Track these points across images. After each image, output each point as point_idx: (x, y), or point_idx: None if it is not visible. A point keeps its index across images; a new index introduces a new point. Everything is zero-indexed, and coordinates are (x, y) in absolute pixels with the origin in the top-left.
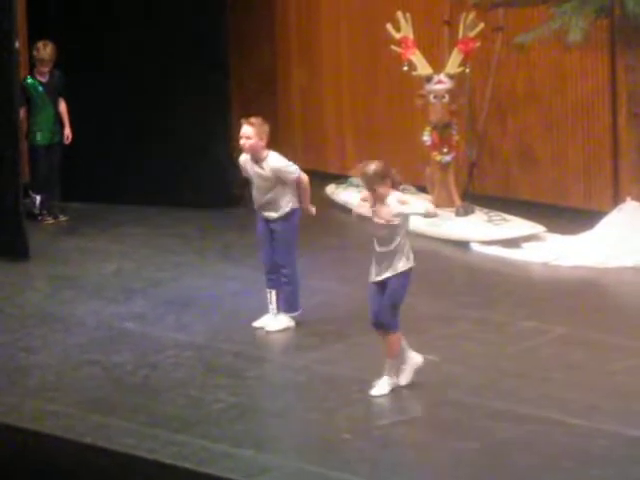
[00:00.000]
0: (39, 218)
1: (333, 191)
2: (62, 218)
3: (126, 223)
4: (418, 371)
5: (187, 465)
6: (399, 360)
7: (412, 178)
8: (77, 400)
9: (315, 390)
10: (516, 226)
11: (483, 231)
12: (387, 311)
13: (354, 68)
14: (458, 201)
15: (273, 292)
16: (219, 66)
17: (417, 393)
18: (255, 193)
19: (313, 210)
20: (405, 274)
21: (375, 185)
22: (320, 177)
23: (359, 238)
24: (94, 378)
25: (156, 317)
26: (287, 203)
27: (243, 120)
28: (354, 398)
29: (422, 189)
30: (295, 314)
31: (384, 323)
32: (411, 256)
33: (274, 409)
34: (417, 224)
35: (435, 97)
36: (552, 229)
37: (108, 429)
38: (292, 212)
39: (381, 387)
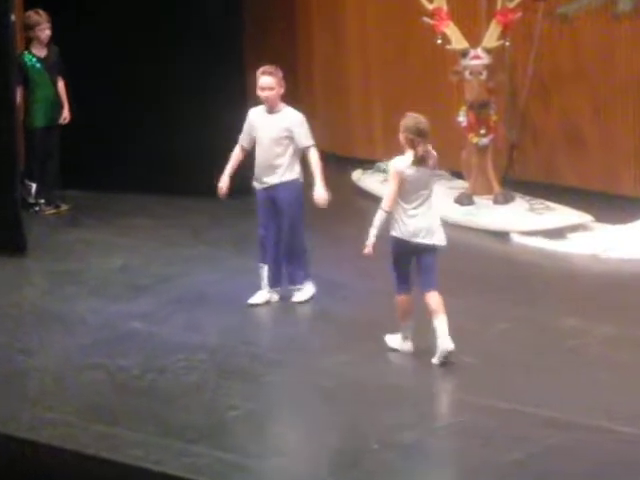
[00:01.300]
0: (36, 208)
1: (359, 177)
2: (63, 207)
3: (130, 213)
4: (450, 373)
5: (201, 478)
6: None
7: (446, 163)
8: (78, 407)
9: (338, 396)
10: (561, 215)
11: (524, 221)
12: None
13: (383, 43)
14: (497, 188)
15: (265, 267)
16: (234, 48)
17: (453, 398)
18: (260, 154)
19: (324, 197)
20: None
21: (405, 134)
22: (346, 162)
23: (386, 228)
24: (97, 383)
25: (165, 316)
26: (293, 171)
27: (259, 72)
28: (383, 405)
29: (458, 175)
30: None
31: None
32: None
33: (294, 417)
34: (451, 213)
35: (471, 73)
36: (600, 218)
37: (113, 439)
38: (297, 183)
39: (390, 340)
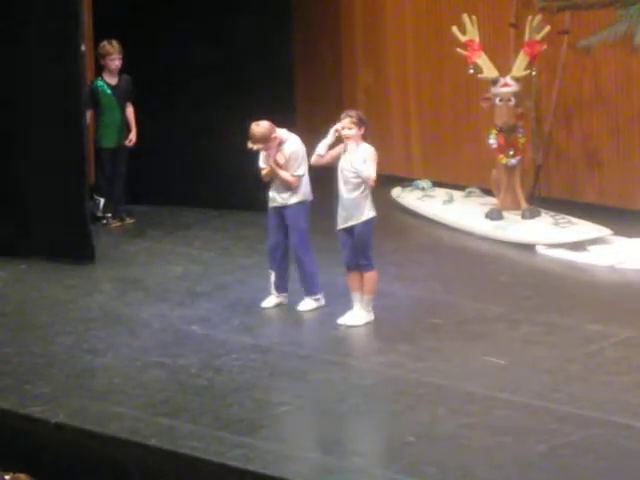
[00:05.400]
0: (103, 222)
1: (399, 194)
2: (128, 221)
3: (192, 226)
4: (484, 374)
5: (253, 468)
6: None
7: (478, 181)
8: (143, 402)
9: (381, 393)
10: (582, 229)
11: (549, 234)
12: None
13: (420, 70)
14: (524, 204)
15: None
16: (284, 74)
17: (484, 396)
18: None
19: None
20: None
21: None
22: (386, 180)
23: (424, 241)
24: (159, 381)
25: (221, 320)
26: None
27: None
28: (420, 401)
29: (488, 192)
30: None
31: (361, 264)
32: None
33: (340, 412)
34: (483, 227)
35: (501, 100)
36: (618, 232)
37: (174, 432)
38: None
39: (356, 318)
